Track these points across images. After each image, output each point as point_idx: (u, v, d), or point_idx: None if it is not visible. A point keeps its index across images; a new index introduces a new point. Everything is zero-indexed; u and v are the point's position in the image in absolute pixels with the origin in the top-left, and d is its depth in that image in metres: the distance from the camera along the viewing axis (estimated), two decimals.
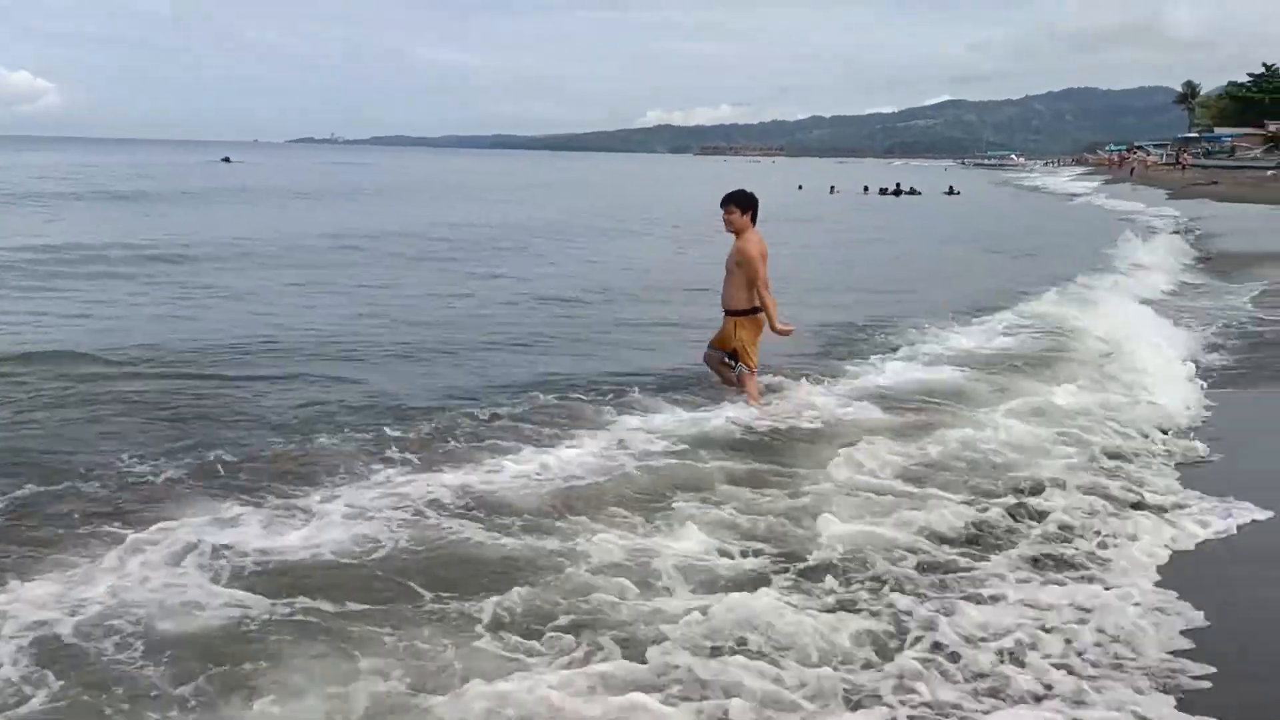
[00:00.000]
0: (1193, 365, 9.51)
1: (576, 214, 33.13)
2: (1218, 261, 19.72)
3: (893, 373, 9.06)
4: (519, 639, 4.08)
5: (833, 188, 61.84)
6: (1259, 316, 13.03)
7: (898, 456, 6.52)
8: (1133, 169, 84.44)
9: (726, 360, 7.83)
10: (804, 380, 8.29)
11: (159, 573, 4.60)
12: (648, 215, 33.07)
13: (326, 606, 4.34)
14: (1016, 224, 34.50)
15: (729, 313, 7.69)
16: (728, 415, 7.24)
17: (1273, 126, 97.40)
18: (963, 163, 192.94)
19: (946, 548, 5.15)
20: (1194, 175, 65.78)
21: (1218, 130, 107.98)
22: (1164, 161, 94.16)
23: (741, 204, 7.61)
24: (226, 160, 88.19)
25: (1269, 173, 60.32)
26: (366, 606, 4.35)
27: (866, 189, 60.49)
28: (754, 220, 7.68)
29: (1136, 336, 10.38)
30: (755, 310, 7.61)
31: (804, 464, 6.40)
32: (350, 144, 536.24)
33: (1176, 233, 26.14)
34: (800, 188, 64.66)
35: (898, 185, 60.28)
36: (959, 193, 58.35)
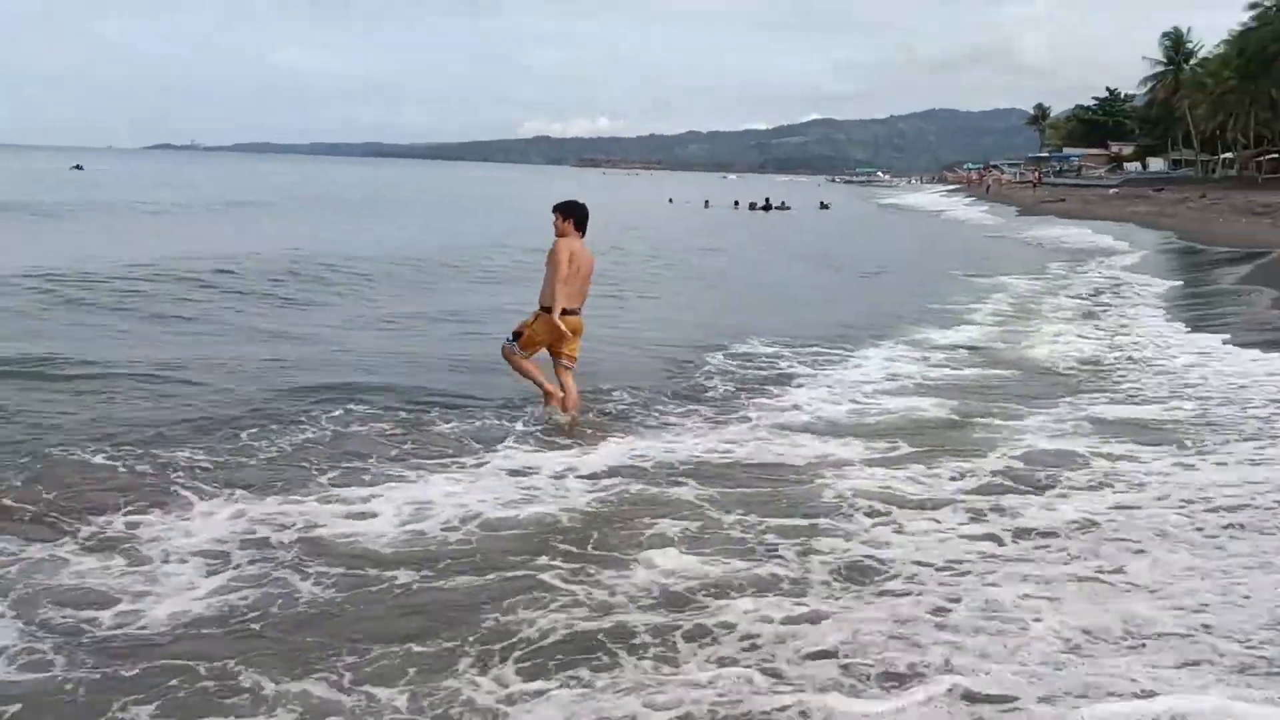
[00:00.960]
0: None
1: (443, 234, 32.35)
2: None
3: (820, 400, 8.77)
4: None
5: (707, 202, 62.57)
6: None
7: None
8: (988, 186, 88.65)
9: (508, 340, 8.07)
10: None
11: None
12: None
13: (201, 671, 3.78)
14: (893, 240, 34.70)
15: (541, 307, 8.03)
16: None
17: (1115, 147, 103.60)
18: (833, 179, 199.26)
19: None
20: (1044, 193, 69.43)
21: (1066, 150, 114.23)
22: (1017, 180, 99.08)
23: (564, 212, 8.12)
24: (78, 168, 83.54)
25: (1111, 191, 64.18)
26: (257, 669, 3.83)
27: (737, 204, 61.09)
28: (580, 227, 8.13)
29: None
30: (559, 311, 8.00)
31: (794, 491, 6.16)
32: (211, 150, 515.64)
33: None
34: (670, 200, 65.25)
35: (767, 200, 60.42)
36: (829, 206, 60.18)
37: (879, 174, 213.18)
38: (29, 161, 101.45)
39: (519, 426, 7.53)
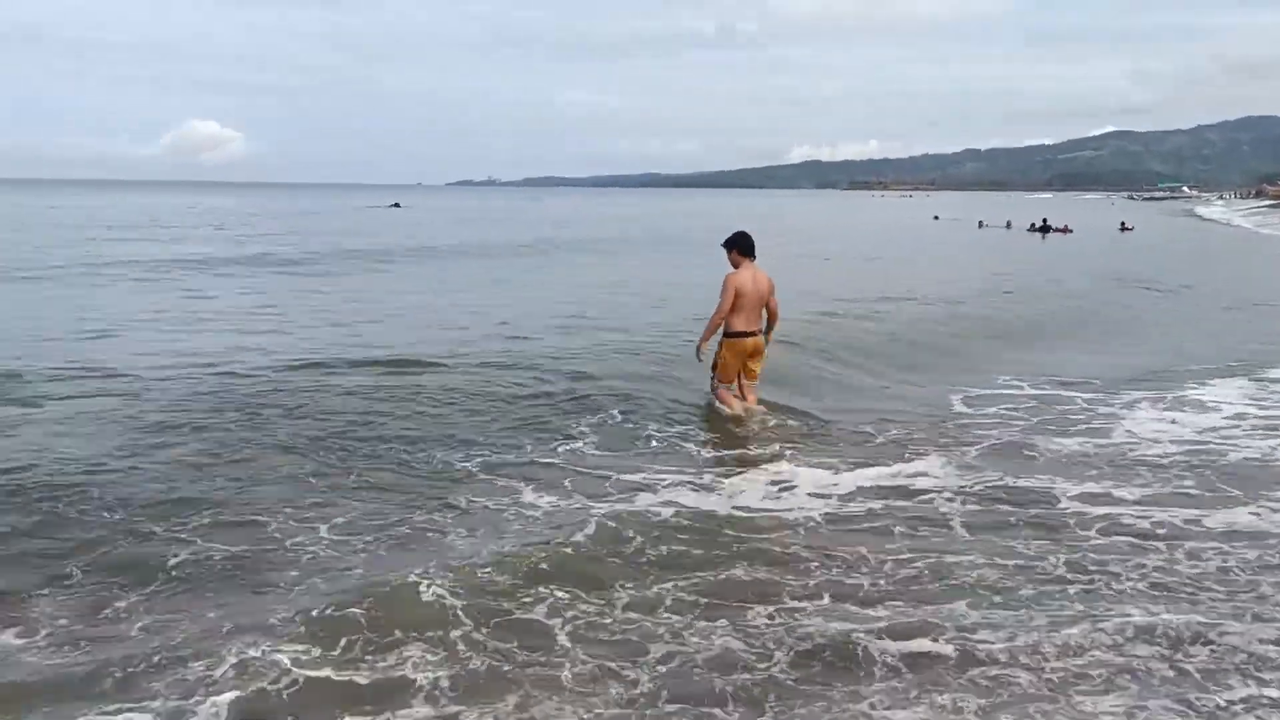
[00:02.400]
0: None
1: None
2: None
3: (1144, 438, 8.59)
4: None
5: (981, 222, 60.32)
6: None
7: None
8: None
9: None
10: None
11: None
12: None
13: None
14: (1231, 267, 29.88)
15: (725, 334, 8.89)
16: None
17: None
18: (1131, 196, 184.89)
19: None
20: None
21: None
22: None
23: (729, 245, 9.00)
24: (396, 205, 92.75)
25: None
26: None
27: (1010, 224, 57.12)
28: (747, 254, 8.88)
29: None
30: (739, 334, 8.81)
31: None
32: (506, 186, 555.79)
33: None
34: (936, 218, 63.91)
35: (1045, 221, 54.70)
36: (1132, 229, 55.16)
37: (1183, 188, 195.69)
38: (349, 200, 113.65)
39: (782, 449, 8.09)
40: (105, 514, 6.03)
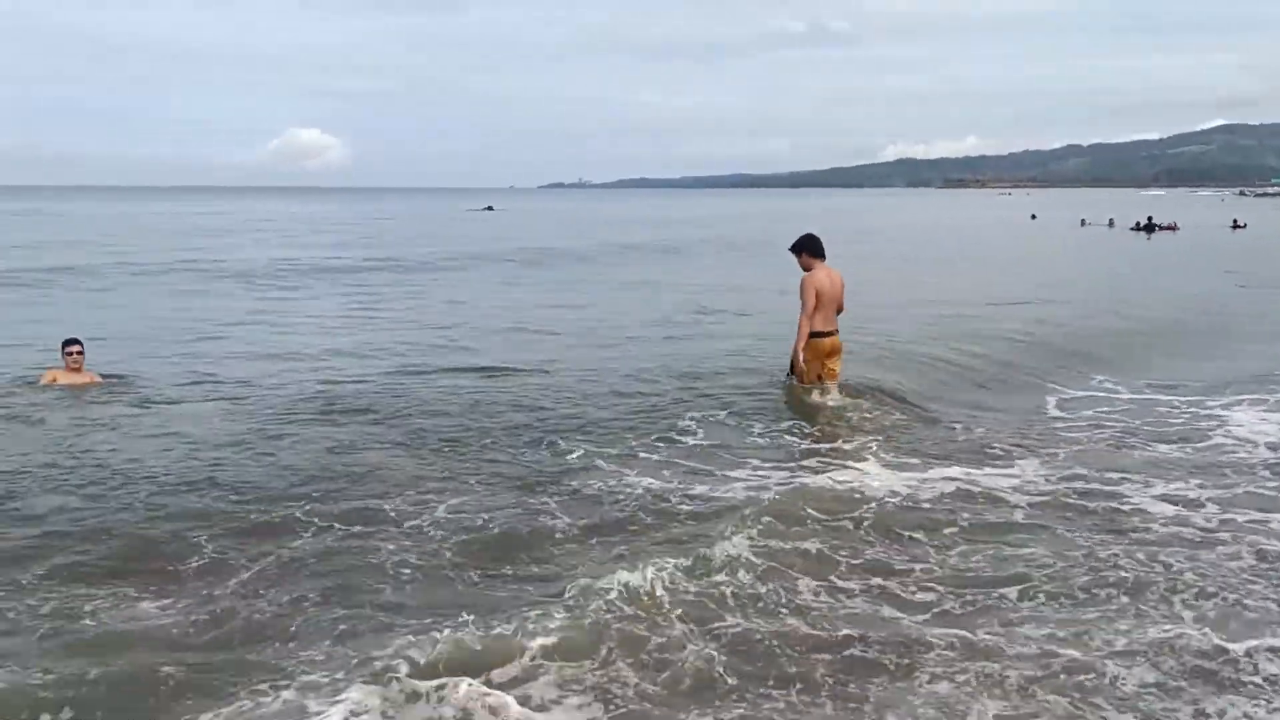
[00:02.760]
0: None
1: None
2: None
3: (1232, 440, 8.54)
4: None
5: (1083, 220, 59.17)
6: None
7: None
8: None
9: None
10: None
11: None
12: None
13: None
14: None
15: (811, 334, 9.12)
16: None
17: None
18: (1242, 192, 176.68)
19: None
20: None
21: None
22: None
23: (799, 249, 9.24)
24: (490, 209, 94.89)
25: None
26: None
27: (1112, 222, 56.41)
28: (818, 255, 9.11)
29: None
30: (817, 335, 9.07)
31: None
32: (597, 188, 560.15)
33: None
34: (1033, 217, 62.53)
35: (1150, 219, 53.39)
36: (1245, 225, 53.23)
37: None
38: (445, 204, 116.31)
39: (875, 443, 8.36)
40: (229, 502, 6.54)
